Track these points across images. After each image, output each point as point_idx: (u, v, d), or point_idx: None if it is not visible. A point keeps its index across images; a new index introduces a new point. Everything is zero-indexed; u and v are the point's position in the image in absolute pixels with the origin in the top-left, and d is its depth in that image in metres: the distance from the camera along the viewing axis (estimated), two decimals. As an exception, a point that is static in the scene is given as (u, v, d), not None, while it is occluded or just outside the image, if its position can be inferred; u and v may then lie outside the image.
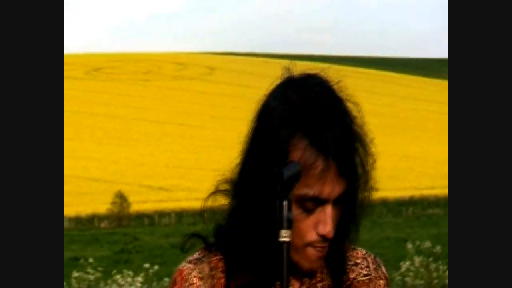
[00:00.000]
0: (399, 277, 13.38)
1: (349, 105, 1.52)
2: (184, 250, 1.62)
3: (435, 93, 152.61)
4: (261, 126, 1.51)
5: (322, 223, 1.43)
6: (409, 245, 14.46)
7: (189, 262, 1.59)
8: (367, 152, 1.51)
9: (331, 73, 1.54)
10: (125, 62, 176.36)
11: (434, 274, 13.34)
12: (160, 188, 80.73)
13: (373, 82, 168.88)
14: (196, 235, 1.61)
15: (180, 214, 61.21)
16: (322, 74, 1.55)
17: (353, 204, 1.50)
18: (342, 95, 1.52)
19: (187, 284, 1.56)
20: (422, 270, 13.42)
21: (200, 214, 1.60)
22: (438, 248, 14.24)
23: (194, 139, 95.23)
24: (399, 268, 14.03)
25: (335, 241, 1.50)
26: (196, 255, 1.60)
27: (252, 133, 1.53)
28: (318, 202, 1.43)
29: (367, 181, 1.51)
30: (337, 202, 1.47)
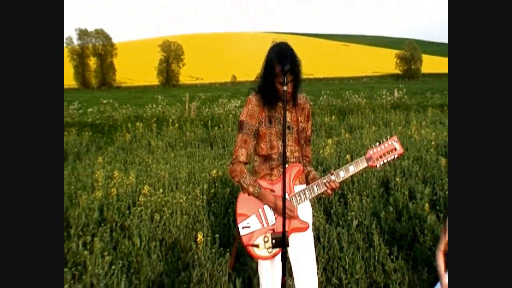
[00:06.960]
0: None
1: (296, 55, 3.41)
2: (248, 94, 3.60)
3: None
4: (266, 60, 3.44)
5: (287, 89, 3.30)
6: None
7: (251, 95, 3.60)
8: (300, 68, 3.42)
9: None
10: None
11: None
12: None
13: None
14: (252, 88, 3.61)
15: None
16: (288, 42, 3.48)
17: (296, 82, 3.47)
18: (294, 51, 3.40)
19: (252, 101, 3.58)
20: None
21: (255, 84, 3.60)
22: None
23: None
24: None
25: (293, 92, 3.51)
26: (253, 93, 3.60)
27: (264, 63, 3.44)
28: (285, 83, 3.15)
29: (300, 76, 3.45)
30: (292, 81, 3.42)
